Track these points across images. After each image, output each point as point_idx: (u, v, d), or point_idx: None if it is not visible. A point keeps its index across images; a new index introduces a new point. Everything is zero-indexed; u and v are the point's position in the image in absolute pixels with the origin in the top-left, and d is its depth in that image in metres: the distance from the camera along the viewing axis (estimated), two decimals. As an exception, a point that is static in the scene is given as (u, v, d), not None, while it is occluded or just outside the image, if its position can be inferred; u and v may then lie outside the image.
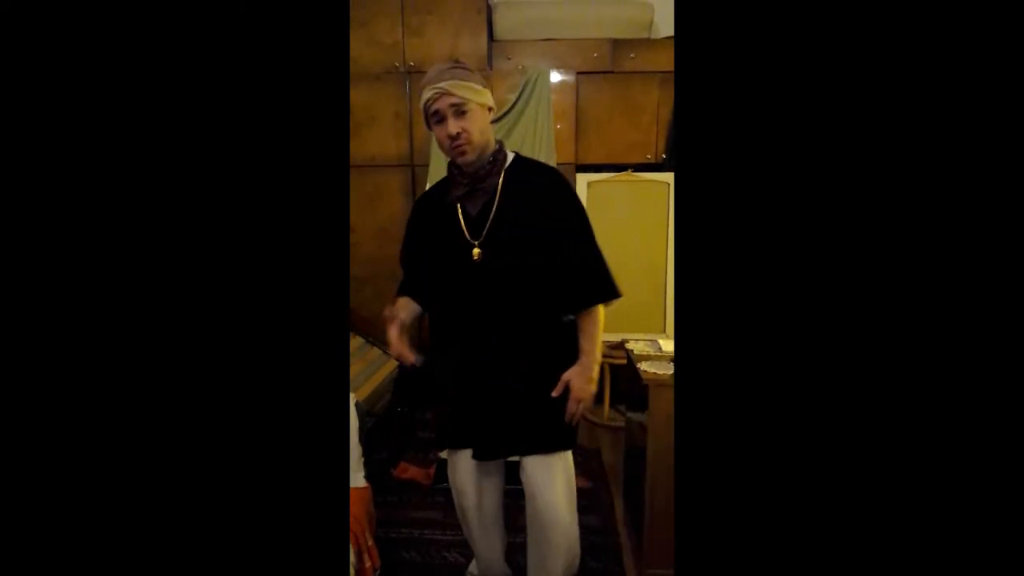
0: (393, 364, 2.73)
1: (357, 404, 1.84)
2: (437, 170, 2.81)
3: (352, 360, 2.49)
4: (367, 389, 2.34)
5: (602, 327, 1.32)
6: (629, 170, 2.73)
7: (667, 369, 1.61)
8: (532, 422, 1.32)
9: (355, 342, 2.71)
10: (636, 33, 2.80)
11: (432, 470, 2.27)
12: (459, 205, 1.31)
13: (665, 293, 2.69)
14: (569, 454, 1.39)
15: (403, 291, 1.46)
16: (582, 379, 1.30)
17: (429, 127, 1.29)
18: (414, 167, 2.85)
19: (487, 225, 1.28)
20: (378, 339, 2.83)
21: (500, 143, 1.34)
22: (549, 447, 1.35)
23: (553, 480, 1.35)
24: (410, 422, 2.75)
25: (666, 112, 2.74)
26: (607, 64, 2.73)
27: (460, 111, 1.22)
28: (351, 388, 2.03)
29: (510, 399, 1.31)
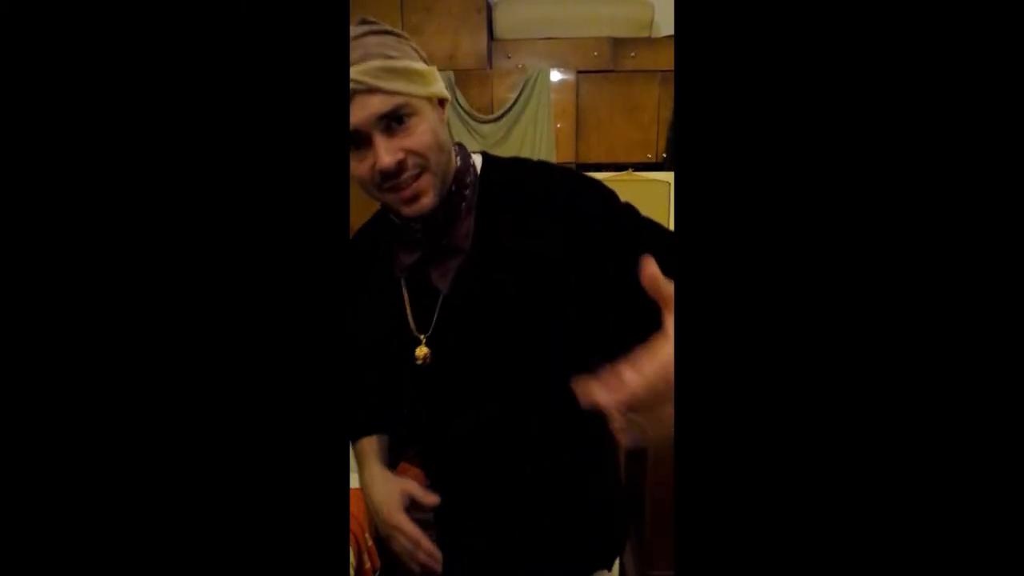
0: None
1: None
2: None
3: (352, 360, 2.49)
4: (367, 389, 2.34)
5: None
6: (629, 169, 2.73)
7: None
8: (555, 535, 0.79)
9: (355, 341, 2.70)
10: (637, 32, 2.80)
11: (432, 470, 2.27)
12: (410, 279, 0.76)
13: (665, 292, 2.69)
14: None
15: (362, 427, 0.88)
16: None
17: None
18: (414, 166, 2.85)
19: (437, 305, 0.74)
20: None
21: (458, 147, 0.75)
22: (586, 566, 0.82)
23: None
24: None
25: (667, 111, 2.74)
26: (607, 63, 2.72)
27: (399, 118, 0.64)
28: (351, 388, 2.03)
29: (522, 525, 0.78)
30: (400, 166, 0.64)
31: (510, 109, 2.75)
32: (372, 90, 0.62)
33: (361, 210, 2.66)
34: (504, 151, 2.79)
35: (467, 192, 0.72)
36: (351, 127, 0.63)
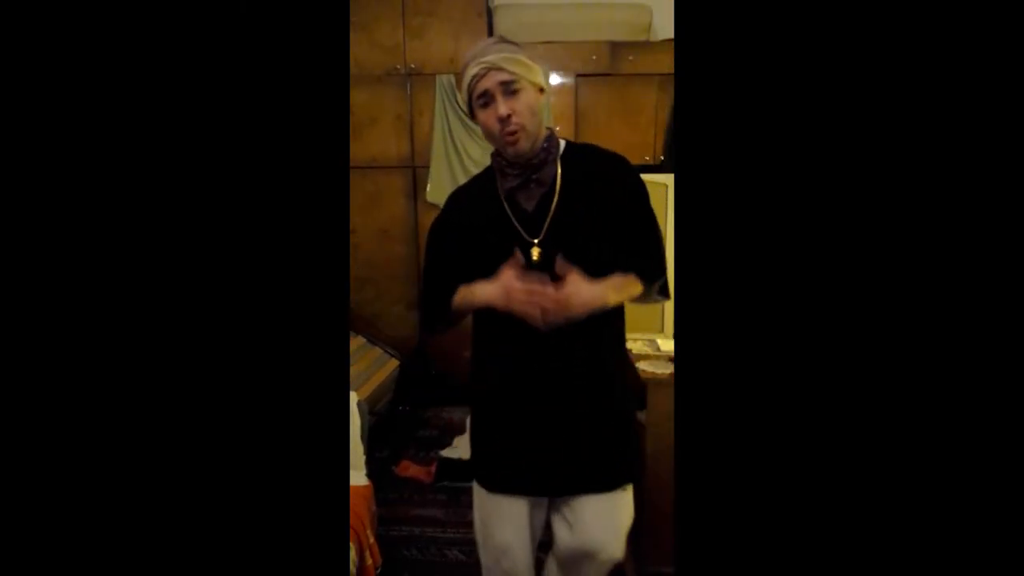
0: (394, 363, 2.74)
1: (359, 403, 1.85)
2: (439, 170, 2.83)
3: (353, 359, 2.51)
4: (368, 388, 2.36)
5: (628, 293, 1.11)
6: (628, 171, 2.73)
7: (665, 368, 1.63)
8: (597, 450, 1.13)
9: (356, 342, 2.72)
10: (635, 35, 2.82)
11: (433, 467, 2.29)
12: (509, 200, 1.13)
13: (664, 293, 2.70)
14: (631, 490, 1.20)
15: (434, 318, 1.23)
16: (585, 289, 1.02)
17: (472, 115, 1.11)
18: (415, 168, 2.87)
19: (547, 221, 1.10)
20: (378, 338, 2.84)
21: (551, 129, 1.15)
22: (615, 481, 1.16)
23: (617, 526, 1.17)
24: (411, 420, 2.76)
25: (664, 114, 2.76)
26: (606, 66, 2.74)
27: (511, 90, 1.03)
28: (353, 387, 2.05)
29: (574, 422, 1.12)
30: (508, 117, 1.03)
31: (510, 112, 2.76)
32: (500, 68, 1.03)
33: (362, 209, 2.64)
34: (504, 153, 2.81)
35: (552, 151, 1.12)
36: (485, 91, 1.04)
